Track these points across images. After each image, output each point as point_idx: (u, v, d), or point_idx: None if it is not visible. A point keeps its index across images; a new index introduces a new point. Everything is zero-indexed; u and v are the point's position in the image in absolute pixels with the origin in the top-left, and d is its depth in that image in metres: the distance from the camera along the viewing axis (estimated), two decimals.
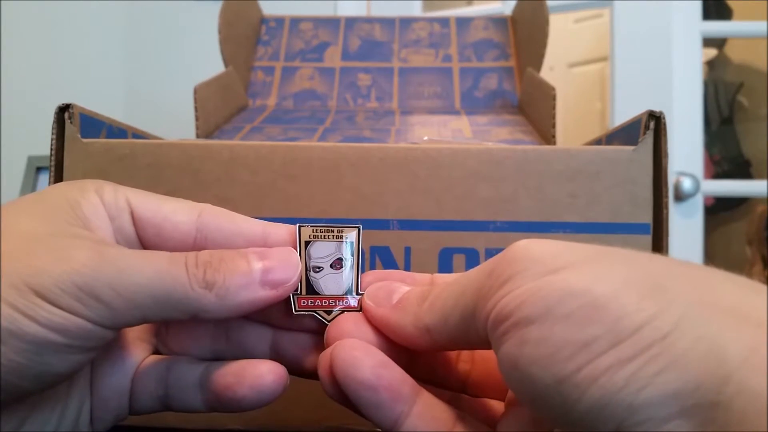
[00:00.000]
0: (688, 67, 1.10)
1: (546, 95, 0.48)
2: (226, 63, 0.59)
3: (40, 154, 0.84)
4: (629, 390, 0.13)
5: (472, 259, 0.30)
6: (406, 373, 0.19)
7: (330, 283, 0.21)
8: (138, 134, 0.38)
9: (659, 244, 0.29)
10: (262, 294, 0.19)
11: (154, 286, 0.18)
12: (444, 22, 0.68)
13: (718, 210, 1.53)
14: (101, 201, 0.20)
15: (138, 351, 0.22)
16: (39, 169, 0.85)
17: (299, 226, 0.21)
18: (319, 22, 0.68)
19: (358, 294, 0.22)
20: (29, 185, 0.83)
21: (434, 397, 0.19)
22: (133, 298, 0.17)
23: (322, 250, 0.22)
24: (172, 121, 0.93)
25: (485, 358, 0.22)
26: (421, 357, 0.22)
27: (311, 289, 0.21)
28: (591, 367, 0.14)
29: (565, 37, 1.78)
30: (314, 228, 0.22)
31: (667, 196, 0.29)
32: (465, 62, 0.64)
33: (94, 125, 0.32)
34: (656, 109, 0.30)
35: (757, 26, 1.12)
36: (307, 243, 0.21)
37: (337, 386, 0.19)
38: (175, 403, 0.21)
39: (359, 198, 0.30)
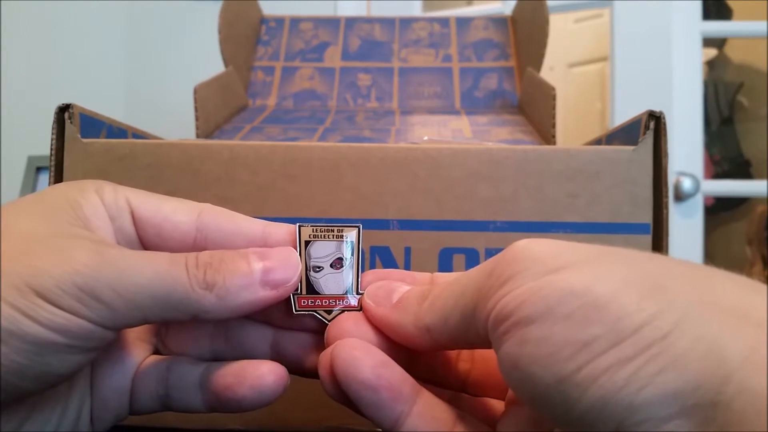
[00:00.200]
0: (688, 67, 1.10)
1: (546, 95, 0.48)
2: (226, 63, 0.59)
3: (40, 154, 0.84)
4: (629, 389, 0.13)
5: (472, 259, 0.30)
6: (407, 372, 0.19)
7: (330, 282, 0.21)
8: (138, 134, 0.38)
9: (659, 244, 0.29)
10: (263, 294, 0.19)
11: (155, 286, 0.18)
12: (444, 22, 0.68)
13: (718, 210, 1.53)
14: (101, 201, 0.20)
15: (138, 351, 0.22)
16: (39, 169, 0.85)
17: (299, 226, 0.21)
18: (319, 22, 0.68)
19: (358, 293, 0.22)
20: (29, 185, 0.83)
21: (434, 397, 0.19)
22: (133, 298, 0.17)
23: (322, 250, 0.22)
24: (172, 121, 0.93)
25: (485, 357, 0.22)
26: (421, 356, 0.22)
27: (311, 289, 0.21)
28: (591, 367, 0.14)
29: (565, 37, 1.78)
30: (314, 228, 0.22)
31: (667, 196, 0.29)
32: (465, 62, 0.64)
33: (94, 125, 0.32)
34: (656, 109, 0.30)
35: (757, 26, 1.12)
36: (307, 243, 0.21)
37: (337, 386, 0.19)
38: (176, 403, 0.21)
39: (359, 198, 0.30)
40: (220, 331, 0.22)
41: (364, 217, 0.30)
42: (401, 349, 0.20)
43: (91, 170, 0.30)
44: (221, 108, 0.55)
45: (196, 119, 0.50)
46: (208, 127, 0.52)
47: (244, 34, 0.64)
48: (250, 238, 0.21)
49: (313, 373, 0.21)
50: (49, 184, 0.30)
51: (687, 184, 1.08)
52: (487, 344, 0.17)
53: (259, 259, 0.19)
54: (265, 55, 0.66)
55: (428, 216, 0.30)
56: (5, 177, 0.94)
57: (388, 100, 0.62)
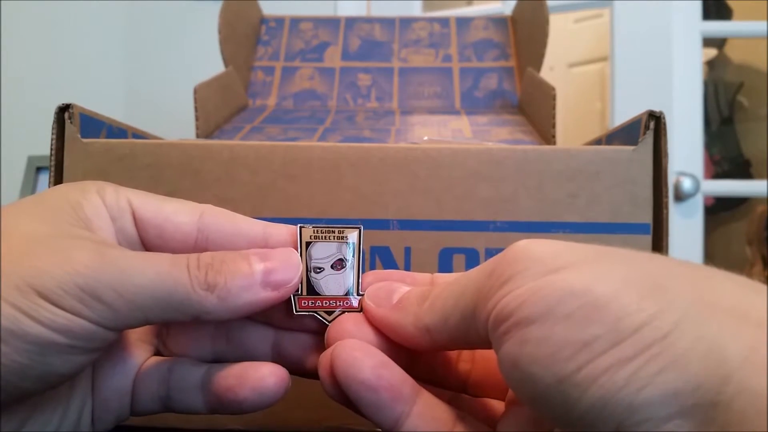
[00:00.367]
0: (688, 67, 1.10)
1: (546, 95, 0.48)
2: (226, 63, 0.59)
3: (40, 154, 0.84)
4: (629, 389, 0.13)
5: (472, 259, 0.30)
6: (407, 373, 0.19)
7: (331, 283, 0.21)
8: (138, 134, 0.38)
9: (659, 244, 0.29)
10: (264, 295, 0.19)
11: (156, 287, 0.18)
12: (444, 22, 0.68)
13: (718, 210, 1.53)
14: (103, 202, 0.20)
15: (140, 352, 0.22)
16: (39, 169, 0.85)
17: (300, 227, 0.21)
18: (319, 22, 0.68)
19: (358, 294, 0.22)
20: (29, 185, 0.83)
21: (434, 397, 0.19)
22: (134, 299, 0.17)
23: (323, 251, 0.22)
24: (172, 121, 0.93)
25: (485, 357, 0.22)
26: (421, 357, 0.22)
27: (312, 290, 0.21)
28: (591, 367, 0.14)
29: (565, 37, 1.78)
30: (315, 229, 0.22)
31: (667, 196, 0.29)
32: (465, 62, 0.64)
33: (94, 125, 0.33)
34: (656, 109, 0.30)
35: (757, 26, 1.12)
36: (308, 244, 0.21)
37: (337, 386, 0.19)
38: (177, 404, 0.21)
39: (359, 198, 0.30)
40: (221, 332, 0.22)
41: (364, 217, 0.30)
42: (401, 349, 0.20)
43: (91, 170, 0.30)
44: (221, 108, 0.55)
45: (196, 119, 0.50)
46: (208, 127, 0.52)
47: (244, 34, 0.64)
48: (251, 239, 0.21)
49: (313, 374, 0.21)
50: (49, 184, 0.30)
51: (687, 184, 1.08)
52: (487, 344, 0.17)
53: (260, 260, 0.19)
54: (265, 55, 0.66)
55: (428, 216, 0.30)
56: (5, 177, 0.94)
57: (388, 100, 0.62)
